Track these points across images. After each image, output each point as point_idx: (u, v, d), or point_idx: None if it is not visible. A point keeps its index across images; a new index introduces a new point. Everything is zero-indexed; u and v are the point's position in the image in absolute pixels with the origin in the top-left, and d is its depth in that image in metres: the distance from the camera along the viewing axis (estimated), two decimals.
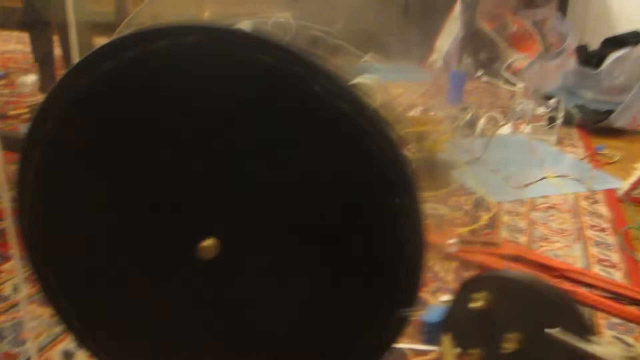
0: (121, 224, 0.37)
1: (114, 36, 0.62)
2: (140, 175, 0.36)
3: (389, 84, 0.51)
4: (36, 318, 0.59)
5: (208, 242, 0.35)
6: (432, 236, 0.75)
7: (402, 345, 0.58)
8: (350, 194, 0.34)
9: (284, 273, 0.36)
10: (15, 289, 0.65)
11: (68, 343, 0.56)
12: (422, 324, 0.38)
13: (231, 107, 0.33)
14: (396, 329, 0.35)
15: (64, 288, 0.39)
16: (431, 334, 0.38)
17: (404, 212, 0.33)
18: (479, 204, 0.88)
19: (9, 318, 0.62)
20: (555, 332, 0.32)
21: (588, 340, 0.33)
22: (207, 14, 0.60)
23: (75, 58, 0.64)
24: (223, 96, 0.33)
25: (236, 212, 0.35)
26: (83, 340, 0.41)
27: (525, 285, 0.34)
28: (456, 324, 0.38)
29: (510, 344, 0.35)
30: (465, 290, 0.37)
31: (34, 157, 0.37)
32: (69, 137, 0.36)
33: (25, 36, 1.80)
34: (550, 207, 0.90)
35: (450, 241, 0.50)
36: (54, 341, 0.58)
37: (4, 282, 0.65)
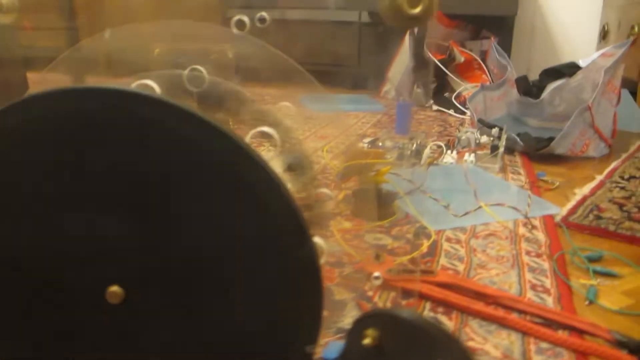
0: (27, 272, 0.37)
1: (44, 71, 0.62)
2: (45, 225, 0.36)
3: (297, 130, 0.53)
4: None
5: (114, 288, 0.35)
6: (373, 267, 0.77)
7: None
8: (249, 242, 0.35)
9: (185, 319, 0.37)
10: None
11: None
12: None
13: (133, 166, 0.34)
14: None
15: None
16: None
17: (301, 258, 0.34)
18: (420, 233, 0.90)
19: None
20: None
21: None
22: (157, 51, 0.60)
23: None
24: (122, 155, 0.34)
25: (137, 262, 0.36)
26: None
27: (408, 321, 0.36)
28: (353, 358, 0.39)
29: None
30: (357, 327, 0.38)
31: None
32: None
33: None
34: (490, 235, 0.92)
35: (375, 274, 0.51)
36: None
37: None
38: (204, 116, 0.33)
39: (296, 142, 0.50)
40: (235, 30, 0.45)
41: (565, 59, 2.10)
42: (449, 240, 0.89)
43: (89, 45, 0.62)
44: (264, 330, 0.36)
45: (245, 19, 0.44)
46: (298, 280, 0.35)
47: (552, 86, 1.65)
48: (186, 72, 0.46)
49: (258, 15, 0.47)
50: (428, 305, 0.69)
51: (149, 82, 0.38)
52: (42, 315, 0.38)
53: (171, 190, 0.34)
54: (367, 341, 0.37)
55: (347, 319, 0.65)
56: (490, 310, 0.67)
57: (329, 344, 0.40)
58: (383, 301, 0.69)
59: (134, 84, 0.37)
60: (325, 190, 0.52)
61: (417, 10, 0.30)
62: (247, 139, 0.40)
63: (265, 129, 0.42)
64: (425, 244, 0.85)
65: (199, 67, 0.47)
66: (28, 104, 0.34)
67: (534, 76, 1.86)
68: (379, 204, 0.94)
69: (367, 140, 1.41)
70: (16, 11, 0.61)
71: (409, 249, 0.85)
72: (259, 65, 0.51)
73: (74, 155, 0.34)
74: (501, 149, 1.31)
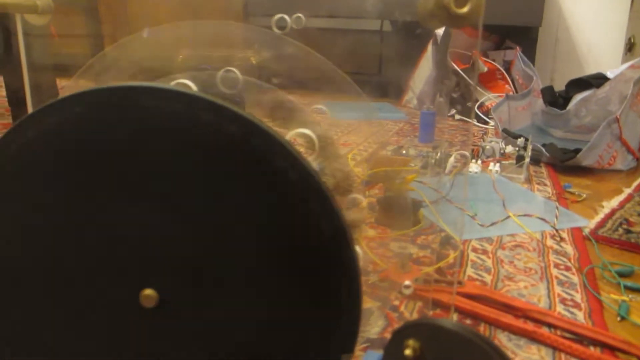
0: (65, 271, 0.37)
1: (74, 79, 0.63)
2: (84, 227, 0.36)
3: (333, 134, 0.52)
4: None
5: (148, 292, 0.34)
6: (398, 275, 0.76)
7: None
8: (288, 248, 0.34)
9: (217, 326, 0.36)
10: None
11: None
12: None
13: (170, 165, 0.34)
14: None
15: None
16: None
17: (339, 260, 0.34)
18: (446, 242, 0.89)
19: None
20: None
21: None
22: (181, 57, 0.61)
23: (28, 100, 0.65)
24: (160, 154, 0.34)
25: (174, 266, 0.35)
26: None
27: (453, 332, 0.34)
28: None
29: None
30: (397, 338, 0.37)
31: None
32: (13, 187, 0.36)
33: None
34: (517, 246, 0.91)
35: (406, 283, 0.50)
36: None
37: None
38: (256, 121, 0.32)
39: (331, 145, 0.49)
40: (276, 30, 0.45)
41: (590, 70, 2.07)
42: (475, 250, 0.88)
43: (115, 52, 0.62)
44: (300, 338, 0.35)
45: (287, 18, 0.44)
46: (337, 286, 0.34)
47: (578, 97, 1.63)
48: (220, 73, 0.46)
49: (294, 16, 0.47)
50: (455, 316, 0.68)
51: (187, 81, 0.37)
52: (75, 319, 0.37)
53: (213, 192, 0.33)
54: (407, 352, 0.36)
55: (374, 329, 0.64)
56: (519, 323, 0.65)
57: (367, 353, 0.39)
58: (409, 311, 0.68)
59: (172, 83, 0.36)
60: (357, 195, 0.51)
61: (465, 9, 0.29)
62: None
63: (305, 130, 0.41)
64: (453, 254, 0.84)
65: (232, 69, 0.47)
66: (93, 96, 0.34)
67: (557, 87, 1.83)
68: (403, 212, 0.93)
69: (390, 148, 1.40)
70: (51, 13, 0.61)
71: (434, 259, 0.83)
72: (296, 69, 0.51)
73: (124, 155, 0.34)
74: (527, 159, 1.29)
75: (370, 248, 0.83)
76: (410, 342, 0.36)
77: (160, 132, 0.33)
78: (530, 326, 0.65)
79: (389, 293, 0.71)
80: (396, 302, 0.70)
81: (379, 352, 0.39)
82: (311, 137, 0.41)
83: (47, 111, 0.35)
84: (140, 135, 0.34)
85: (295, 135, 0.41)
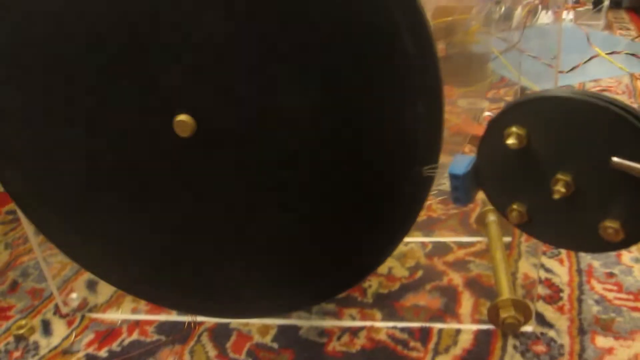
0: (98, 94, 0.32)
1: None
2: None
3: None
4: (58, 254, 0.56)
5: (182, 117, 0.30)
6: (472, 127, 0.68)
7: (446, 238, 0.53)
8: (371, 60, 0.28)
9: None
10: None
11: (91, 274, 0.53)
12: (448, 178, 0.33)
13: None
14: (420, 190, 0.30)
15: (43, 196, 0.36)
16: (459, 190, 0.32)
17: (422, 71, 0.28)
18: (522, 93, 0.80)
19: (32, 257, 0.61)
20: (621, 161, 0.26)
21: None
22: None
23: None
24: None
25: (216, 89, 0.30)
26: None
27: (573, 105, 0.27)
28: (489, 173, 0.31)
29: (562, 187, 0.28)
30: (494, 128, 0.30)
31: None
32: None
33: None
34: (602, 90, 0.81)
35: (487, 113, 0.43)
36: (77, 273, 0.57)
37: None
38: None
39: None
40: None
41: None
42: None
43: None
44: (380, 151, 0.30)
45: None
46: (419, 94, 0.28)
47: None
48: None
49: None
50: None
51: None
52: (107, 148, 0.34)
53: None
54: (511, 141, 0.29)
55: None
56: None
57: (455, 157, 0.34)
58: None
59: None
60: None
61: None
62: None
63: None
64: None
65: None
66: None
67: None
68: (469, 67, 0.84)
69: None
70: None
71: None
72: None
73: None
74: (606, 3, 1.13)
75: None
76: (513, 128, 0.29)
77: None
78: None
79: (462, 147, 0.65)
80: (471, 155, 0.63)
81: (471, 155, 0.34)
82: None
83: None
84: None
85: None
